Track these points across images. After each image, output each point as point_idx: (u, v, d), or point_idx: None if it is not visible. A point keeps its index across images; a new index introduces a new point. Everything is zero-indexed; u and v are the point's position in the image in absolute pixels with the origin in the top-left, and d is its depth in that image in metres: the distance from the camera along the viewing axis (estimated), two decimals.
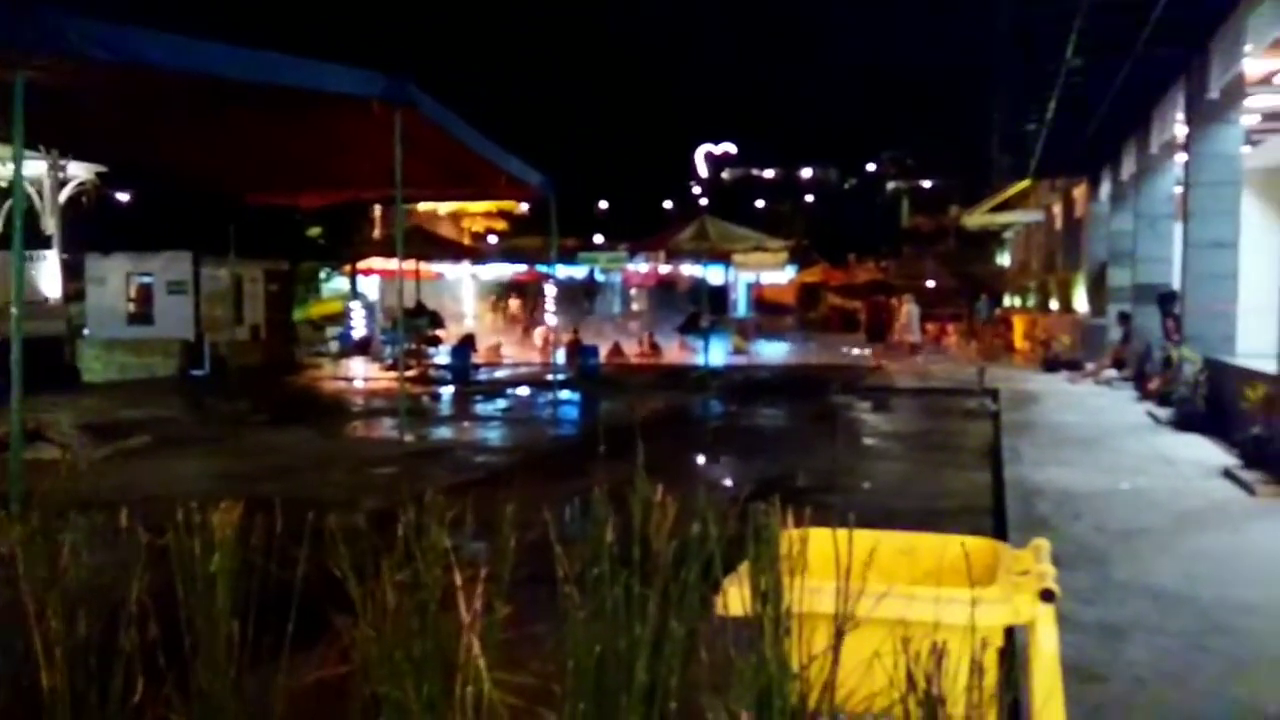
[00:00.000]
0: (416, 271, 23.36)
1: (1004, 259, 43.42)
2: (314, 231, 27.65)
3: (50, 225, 18.64)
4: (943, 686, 1.54)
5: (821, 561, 1.81)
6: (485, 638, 1.73)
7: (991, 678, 1.76)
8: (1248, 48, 9.97)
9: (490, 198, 27.64)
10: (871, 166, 75.08)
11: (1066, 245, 27.12)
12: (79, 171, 18.91)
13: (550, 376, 16.29)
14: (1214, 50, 11.39)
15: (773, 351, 26.40)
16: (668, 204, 64.27)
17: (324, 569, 1.98)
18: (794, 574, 1.64)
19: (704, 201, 56.69)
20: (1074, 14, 10.94)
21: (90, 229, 20.41)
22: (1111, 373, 16.55)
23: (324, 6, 46.15)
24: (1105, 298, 19.37)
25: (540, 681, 1.78)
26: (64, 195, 18.72)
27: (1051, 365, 18.88)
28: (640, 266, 38.98)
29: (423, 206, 34.41)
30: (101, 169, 18.99)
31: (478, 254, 35.18)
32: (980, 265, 43.89)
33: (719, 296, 34.11)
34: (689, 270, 35.07)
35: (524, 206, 39.29)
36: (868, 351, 23.65)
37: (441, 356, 21.23)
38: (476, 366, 20.05)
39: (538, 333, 26.40)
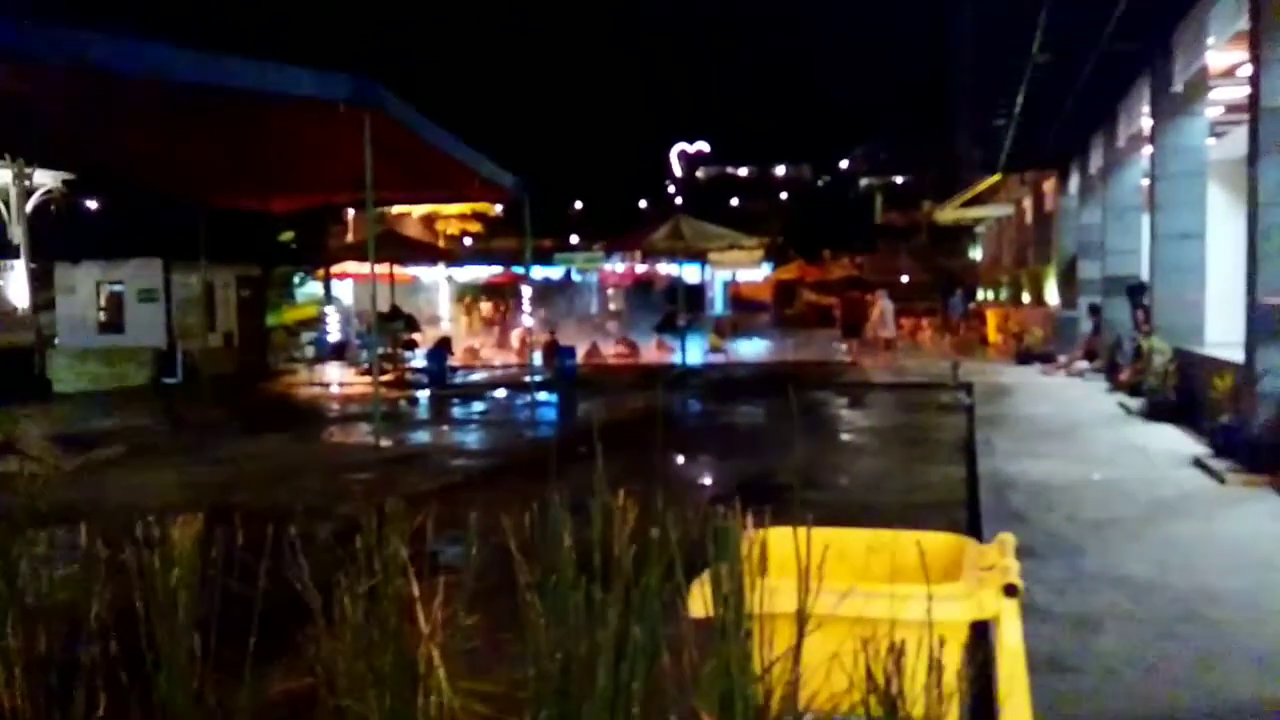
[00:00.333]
0: (391, 275, 23.23)
1: (976, 253, 43.74)
2: (286, 236, 27.43)
3: (17, 234, 18.41)
4: (904, 684, 1.54)
5: (789, 561, 1.81)
6: (448, 647, 1.71)
7: (956, 673, 1.77)
8: (1210, 41, 10.09)
9: (464, 200, 27.50)
10: (845, 163, 75.44)
11: (1037, 239, 27.35)
12: (46, 179, 18.69)
13: (528, 378, 16.24)
14: (1177, 44, 11.51)
15: (749, 349, 26.46)
16: (643, 203, 64.31)
17: (287, 581, 1.96)
18: (756, 575, 1.64)
19: (679, 200, 56.80)
20: (1038, 10, 11.03)
21: (59, 237, 20.17)
22: (1083, 364, 16.70)
23: (294, 9, 45.79)
24: (1076, 290, 19.54)
25: (507, 689, 1.77)
26: (31, 203, 18.50)
27: (1024, 358, 19.04)
28: (617, 266, 38.98)
29: (396, 209, 34.25)
30: (69, 176, 18.77)
31: (453, 256, 35.04)
32: (953, 259, 44.22)
33: (696, 295, 34.16)
34: (665, 269, 35.12)
35: (499, 208, 39.20)
36: (843, 347, 23.73)
37: (418, 360, 21.13)
38: (453, 369, 19.95)
39: (515, 334, 26.33)
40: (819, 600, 1.60)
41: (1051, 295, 23.81)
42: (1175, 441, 9.36)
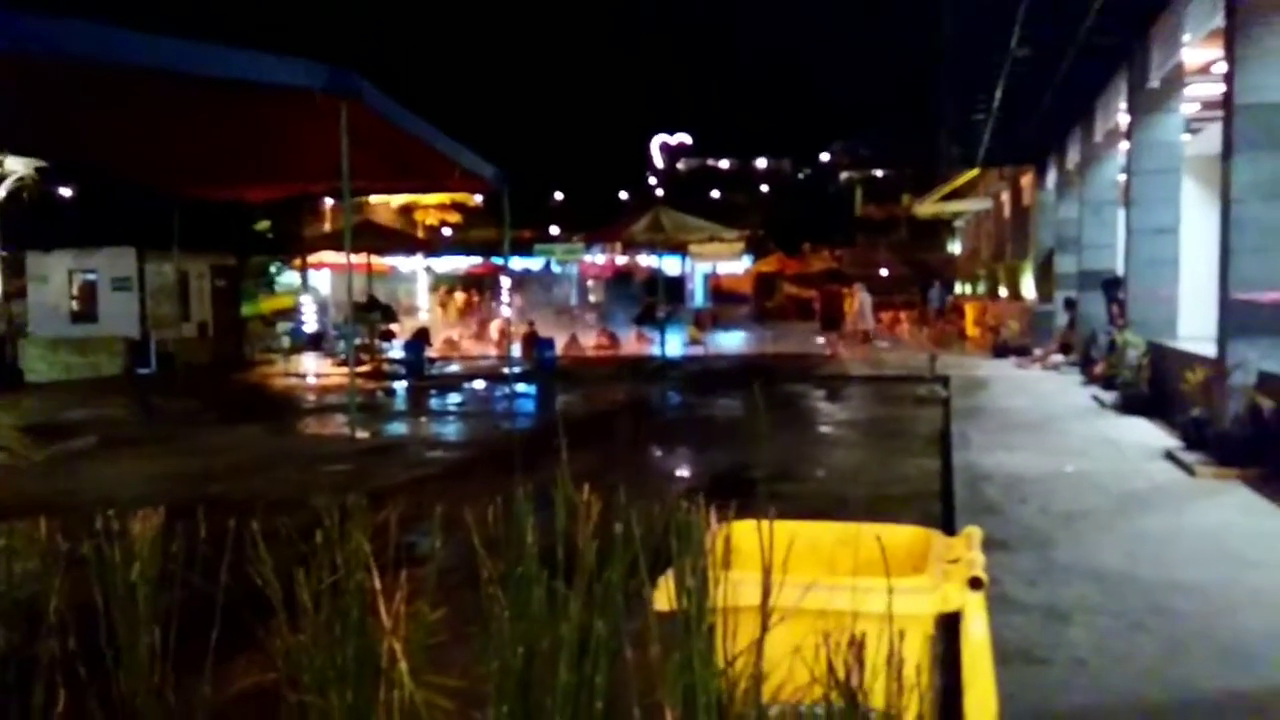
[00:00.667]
0: (368, 265, 23.11)
1: (955, 247, 43.99)
2: (262, 225, 27.19)
3: None
4: (867, 677, 1.54)
5: (756, 555, 1.81)
6: (412, 641, 1.70)
7: (922, 666, 1.77)
8: (1186, 37, 10.16)
9: (443, 190, 27.38)
10: (825, 157, 75.62)
11: (1015, 233, 27.52)
12: (17, 166, 18.42)
13: (506, 370, 16.20)
14: (1154, 40, 11.59)
15: (729, 341, 26.51)
16: (624, 195, 64.22)
17: (252, 575, 1.94)
18: (721, 569, 1.63)
19: (660, 192, 56.77)
20: (1017, 4, 11.08)
21: (31, 225, 19.90)
22: (1059, 358, 16.84)
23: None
24: (1052, 284, 19.68)
25: (471, 684, 1.76)
26: (2, 191, 18.25)
27: (1001, 351, 19.17)
28: (597, 258, 38.94)
29: (375, 199, 34.03)
30: (41, 164, 18.53)
31: (431, 247, 34.87)
32: (932, 253, 44.47)
33: (676, 287, 34.19)
34: (646, 261, 35.11)
35: (478, 198, 39.03)
36: (822, 340, 23.83)
37: (395, 351, 21.03)
38: (431, 360, 19.88)
39: (494, 326, 26.26)
40: (783, 594, 1.60)
41: (1028, 289, 23.98)
42: (1147, 434, 9.45)
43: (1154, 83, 11.75)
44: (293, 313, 26.41)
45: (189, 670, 1.95)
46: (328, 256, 25.44)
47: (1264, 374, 7.76)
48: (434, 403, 15.12)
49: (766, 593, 1.58)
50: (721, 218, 32.14)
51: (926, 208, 36.33)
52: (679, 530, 1.58)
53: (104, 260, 20.14)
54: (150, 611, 1.87)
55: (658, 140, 75.33)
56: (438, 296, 34.45)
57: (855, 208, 62.57)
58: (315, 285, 27.39)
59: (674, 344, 22.03)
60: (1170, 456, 8.16)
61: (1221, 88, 8.55)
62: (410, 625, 1.75)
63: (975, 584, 2.06)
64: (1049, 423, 10.49)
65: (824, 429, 11.82)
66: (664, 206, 22.45)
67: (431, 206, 42.36)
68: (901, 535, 2.44)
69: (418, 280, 37.97)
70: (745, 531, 1.90)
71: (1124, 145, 13.53)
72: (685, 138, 76.56)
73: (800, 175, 77.39)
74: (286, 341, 24.76)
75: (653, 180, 70.24)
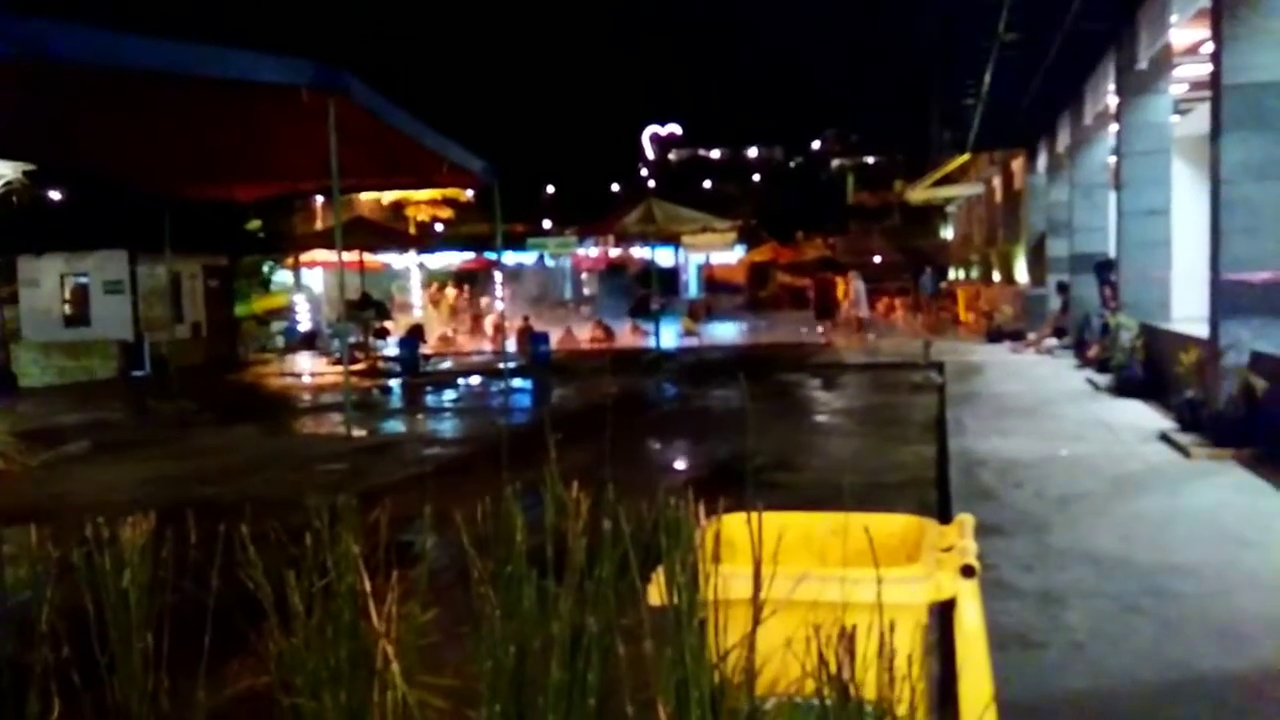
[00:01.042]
0: (361, 263, 23.07)
1: (947, 232, 44.01)
2: (254, 225, 27.11)
3: None
4: (860, 668, 1.55)
5: (749, 548, 1.81)
6: (405, 642, 1.70)
7: (915, 655, 1.77)
8: (1174, 19, 10.16)
9: (433, 186, 27.30)
10: (816, 144, 75.58)
11: (1006, 217, 27.53)
12: (5, 170, 18.31)
13: (502, 365, 16.19)
14: (1142, 22, 11.58)
15: (724, 332, 26.50)
16: (615, 186, 64.15)
17: (245, 579, 1.94)
18: (713, 562, 1.63)
19: (652, 183, 56.71)
20: None
21: (21, 229, 19.83)
22: (1052, 342, 16.86)
23: None
24: (1045, 268, 19.70)
25: (464, 683, 1.76)
26: None
27: (995, 336, 19.19)
28: (590, 250, 38.85)
29: (366, 196, 33.94)
30: (30, 167, 18.43)
31: (423, 243, 34.78)
32: (924, 239, 44.46)
33: (670, 278, 34.15)
34: (639, 253, 35.05)
35: (469, 193, 38.94)
36: (818, 329, 23.83)
37: (390, 348, 21.00)
38: (426, 357, 19.85)
39: (488, 321, 26.22)
40: (775, 586, 1.60)
41: (1021, 273, 24.00)
42: (1142, 416, 9.47)
43: (1142, 64, 11.75)
44: (286, 312, 26.35)
45: (183, 675, 1.95)
46: (319, 254, 25.35)
47: (1257, 354, 7.78)
48: (429, 399, 15.12)
49: (758, 586, 1.58)
50: (714, 208, 32.12)
51: (918, 194, 36.31)
52: (668, 527, 1.57)
53: (95, 263, 20.06)
54: (143, 617, 1.87)
55: (649, 131, 75.24)
56: (428, 293, 34.35)
57: (847, 195, 62.58)
58: (308, 284, 27.31)
59: (668, 335, 22.01)
60: (1165, 438, 8.19)
61: (1209, 68, 8.55)
62: (402, 626, 1.75)
63: (968, 571, 2.06)
64: (1043, 407, 10.51)
65: (820, 418, 11.84)
66: (656, 198, 22.41)
67: (423, 202, 42.26)
68: (894, 524, 2.45)
69: (411, 277, 37.89)
70: (737, 524, 1.90)
71: (1113, 128, 13.54)
72: (676, 128, 76.50)
73: (792, 163, 77.39)
74: (280, 341, 24.71)
75: (644, 171, 70.15)
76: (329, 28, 50.90)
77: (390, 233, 28.40)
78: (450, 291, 34.83)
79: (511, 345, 19.06)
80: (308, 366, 20.48)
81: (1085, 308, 15.44)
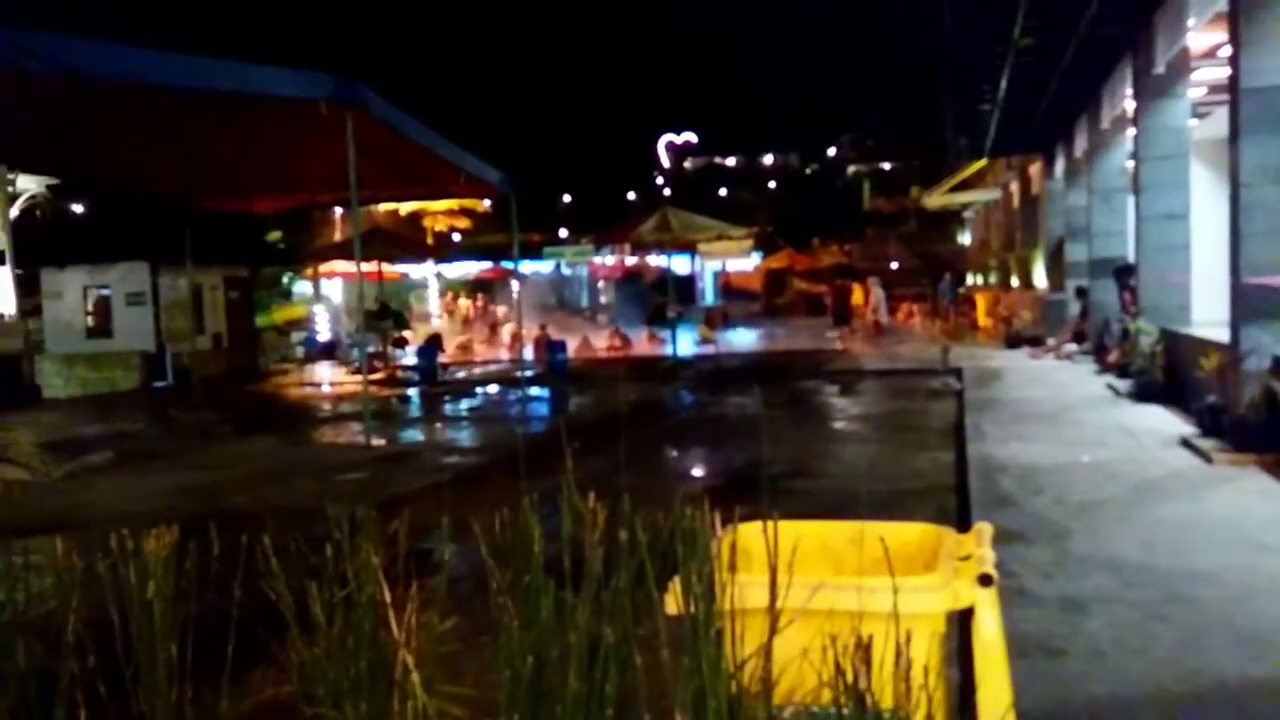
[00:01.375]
0: (379, 273, 23.20)
1: (965, 238, 43.82)
2: (274, 236, 27.36)
3: (2, 240, 18.34)
4: (875, 676, 1.55)
5: (765, 557, 1.82)
6: (425, 651, 1.72)
7: (933, 664, 1.78)
8: (1191, 22, 10.10)
9: (450, 196, 27.45)
10: (832, 151, 75.46)
11: (1024, 222, 27.39)
12: (29, 184, 18.60)
13: (519, 374, 16.24)
14: (1158, 26, 11.53)
15: (740, 339, 26.48)
16: (631, 195, 64.26)
17: (268, 589, 1.96)
18: (730, 572, 1.64)
19: (667, 192, 56.76)
20: None
21: (44, 242, 20.10)
22: (1072, 347, 16.76)
23: (275, 8, 45.51)
24: (1064, 273, 19.59)
25: (483, 692, 1.78)
26: (15, 209, 18.42)
27: (1013, 342, 19.09)
28: (607, 259, 38.93)
29: (383, 207, 34.14)
30: (53, 181, 18.68)
31: (441, 253, 34.96)
32: (942, 245, 44.32)
33: (686, 286, 34.20)
34: (655, 261, 35.10)
35: (487, 203, 39.11)
36: (835, 335, 23.79)
37: (408, 358, 21.10)
38: (444, 366, 19.94)
39: (506, 330, 26.32)
40: (791, 595, 1.61)
41: (1039, 278, 23.87)
42: (1163, 422, 9.40)
43: (1159, 68, 11.68)
44: (306, 322, 26.54)
45: (206, 685, 1.98)
46: (338, 265, 25.55)
47: (1278, 358, 7.71)
48: (448, 408, 15.17)
49: (774, 595, 1.59)
50: (729, 215, 32.14)
51: (935, 199, 36.19)
52: (685, 536, 1.59)
53: (118, 275, 20.28)
54: (167, 628, 1.90)
55: (664, 140, 75.34)
56: (444, 303, 34.49)
57: (864, 201, 62.45)
58: (327, 294, 27.50)
59: (685, 343, 22.02)
60: (1186, 444, 8.12)
61: (1227, 71, 8.50)
62: (422, 636, 1.77)
63: (985, 580, 2.06)
64: (1063, 413, 10.45)
65: (838, 424, 11.81)
66: (672, 206, 22.45)
67: (440, 213, 42.48)
68: (912, 533, 2.45)
69: (429, 286, 38.07)
70: (753, 533, 1.91)
71: (1131, 132, 13.45)
72: (691, 136, 76.56)
73: (807, 170, 77.27)
74: (300, 351, 24.89)
75: (660, 180, 70.21)
76: (344, 40, 51.30)
77: (408, 243, 28.58)
78: (463, 302, 34.97)
79: (529, 354, 19.11)
80: (327, 376, 20.61)
81: (1105, 313, 15.34)
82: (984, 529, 2.34)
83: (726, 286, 42.00)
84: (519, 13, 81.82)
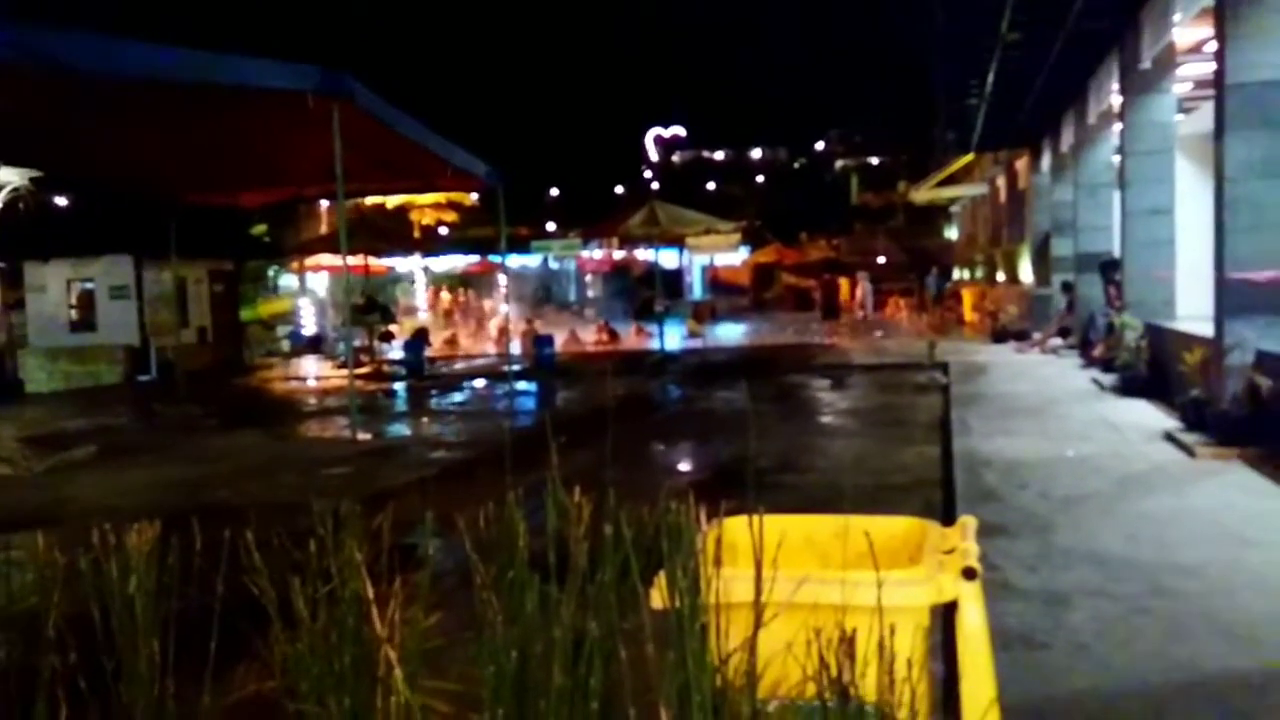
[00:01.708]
0: (366, 266, 23.11)
1: (952, 233, 43.96)
2: (259, 229, 27.21)
3: None
4: (862, 670, 1.55)
5: (750, 551, 1.82)
6: (408, 647, 1.72)
7: (917, 657, 1.78)
8: (1177, 17, 10.15)
9: (437, 189, 27.37)
10: (820, 145, 75.57)
11: (1011, 217, 27.50)
12: (11, 177, 18.38)
13: (506, 368, 16.21)
14: (1145, 21, 11.57)
15: (728, 333, 26.51)
16: (619, 189, 64.19)
17: (251, 584, 1.95)
18: (715, 566, 1.64)
19: (655, 185, 56.76)
20: None
21: (28, 235, 19.92)
22: (1057, 341, 16.84)
23: (268, 3, 45.25)
24: (1049, 268, 19.68)
25: (468, 687, 1.77)
26: None
27: (1000, 336, 19.18)
28: (594, 253, 38.85)
29: (370, 200, 34.00)
30: (36, 174, 18.49)
31: (428, 246, 34.84)
32: (929, 239, 44.46)
33: (674, 280, 34.19)
34: (643, 255, 35.08)
35: (474, 196, 38.99)
36: (823, 329, 23.86)
37: (395, 352, 21.04)
38: (431, 360, 19.89)
39: (493, 324, 26.28)
40: (776, 589, 1.61)
41: (1026, 273, 23.98)
42: (1147, 416, 9.46)
43: (1146, 63, 11.73)
44: (291, 316, 26.42)
45: (189, 681, 1.97)
46: (324, 259, 25.43)
47: (1262, 353, 7.77)
48: (435, 402, 15.13)
49: (759, 589, 1.59)
50: (717, 209, 32.15)
51: (923, 194, 36.28)
52: (670, 531, 1.59)
53: (102, 269, 20.15)
54: (149, 623, 1.88)
55: (652, 133, 75.30)
56: (428, 297, 34.38)
57: (851, 196, 62.57)
58: (313, 288, 27.38)
59: (673, 337, 22.02)
60: (1170, 438, 8.17)
61: (1213, 66, 8.54)
62: (406, 631, 1.76)
63: (969, 574, 2.06)
64: (1048, 407, 10.50)
65: (825, 419, 11.84)
66: (660, 200, 22.45)
67: (427, 206, 42.32)
68: (896, 526, 2.45)
69: (416, 280, 37.95)
70: (738, 527, 1.91)
71: (1117, 127, 13.52)
72: (680, 130, 76.55)
73: (796, 165, 77.39)
74: (286, 345, 24.78)
75: (648, 174, 70.19)
76: (332, 32, 51.03)
77: (394, 236, 28.47)
78: (445, 296, 34.88)
79: (516, 348, 19.09)
80: (313, 370, 20.53)
81: (1090, 307, 15.42)
82: (968, 522, 2.35)
83: (714, 281, 42.01)
84: (507, 6, 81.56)
